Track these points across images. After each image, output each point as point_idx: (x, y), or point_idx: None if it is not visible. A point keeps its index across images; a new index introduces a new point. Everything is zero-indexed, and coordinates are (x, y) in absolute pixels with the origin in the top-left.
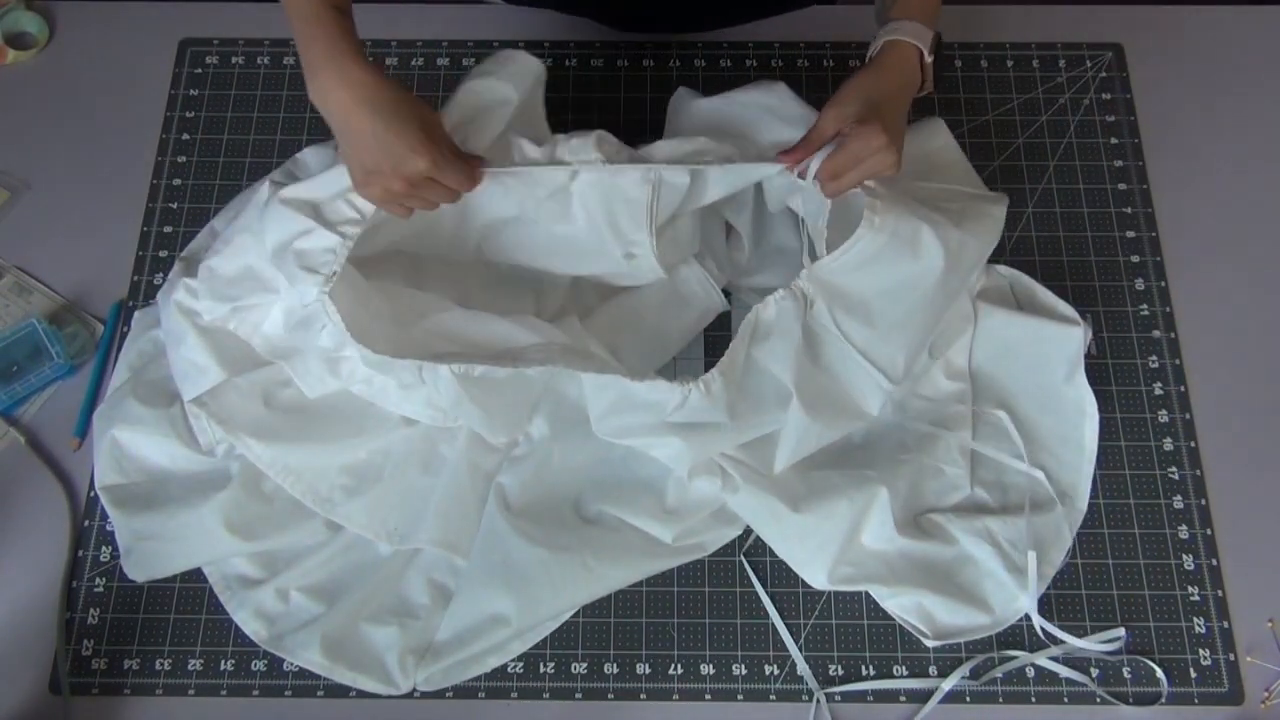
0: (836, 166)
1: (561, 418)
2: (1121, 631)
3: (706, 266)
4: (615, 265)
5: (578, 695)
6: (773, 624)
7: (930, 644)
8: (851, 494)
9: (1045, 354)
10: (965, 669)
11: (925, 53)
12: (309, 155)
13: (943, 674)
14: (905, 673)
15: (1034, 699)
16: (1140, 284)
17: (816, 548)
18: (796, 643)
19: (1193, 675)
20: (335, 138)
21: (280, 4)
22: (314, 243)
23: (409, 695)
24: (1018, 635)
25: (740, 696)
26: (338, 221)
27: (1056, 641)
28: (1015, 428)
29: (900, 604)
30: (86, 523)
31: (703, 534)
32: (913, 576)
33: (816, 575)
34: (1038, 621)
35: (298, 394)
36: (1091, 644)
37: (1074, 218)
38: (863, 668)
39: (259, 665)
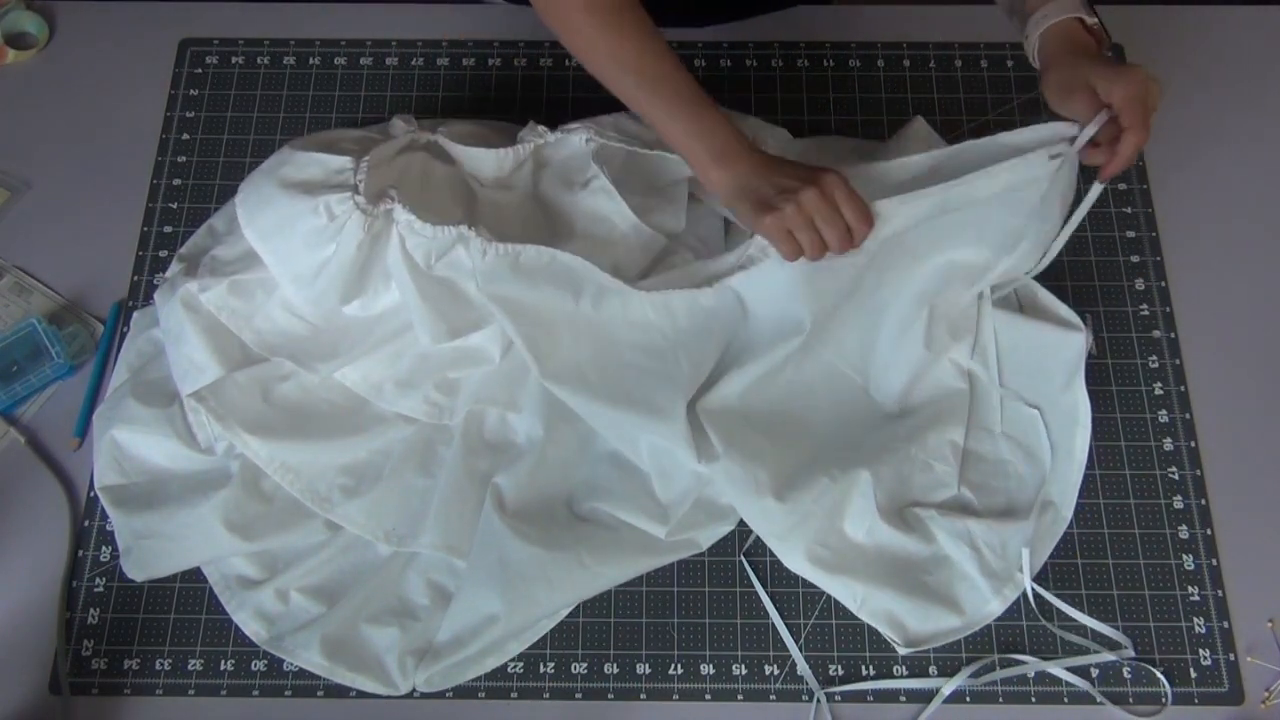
0: (1133, 118)
1: (554, 416)
2: (1130, 650)
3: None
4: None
5: (578, 695)
6: (773, 624)
7: (902, 652)
8: (834, 473)
9: (1044, 361)
10: (966, 672)
11: (1084, 18)
12: None
13: (943, 674)
14: (905, 673)
15: (1034, 699)
16: (1140, 284)
17: (797, 522)
18: (796, 643)
19: (1193, 675)
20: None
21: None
22: (323, 166)
23: (409, 695)
24: (1018, 636)
25: (740, 696)
26: (343, 153)
27: (1064, 620)
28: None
29: (871, 611)
30: (86, 523)
31: (695, 529)
32: (885, 576)
33: (793, 553)
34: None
35: (296, 390)
36: (1100, 626)
37: None
38: (863, 668)
39: (259, 665)
